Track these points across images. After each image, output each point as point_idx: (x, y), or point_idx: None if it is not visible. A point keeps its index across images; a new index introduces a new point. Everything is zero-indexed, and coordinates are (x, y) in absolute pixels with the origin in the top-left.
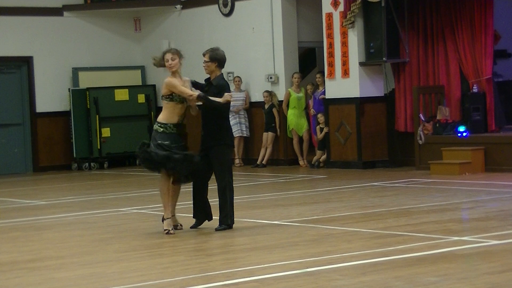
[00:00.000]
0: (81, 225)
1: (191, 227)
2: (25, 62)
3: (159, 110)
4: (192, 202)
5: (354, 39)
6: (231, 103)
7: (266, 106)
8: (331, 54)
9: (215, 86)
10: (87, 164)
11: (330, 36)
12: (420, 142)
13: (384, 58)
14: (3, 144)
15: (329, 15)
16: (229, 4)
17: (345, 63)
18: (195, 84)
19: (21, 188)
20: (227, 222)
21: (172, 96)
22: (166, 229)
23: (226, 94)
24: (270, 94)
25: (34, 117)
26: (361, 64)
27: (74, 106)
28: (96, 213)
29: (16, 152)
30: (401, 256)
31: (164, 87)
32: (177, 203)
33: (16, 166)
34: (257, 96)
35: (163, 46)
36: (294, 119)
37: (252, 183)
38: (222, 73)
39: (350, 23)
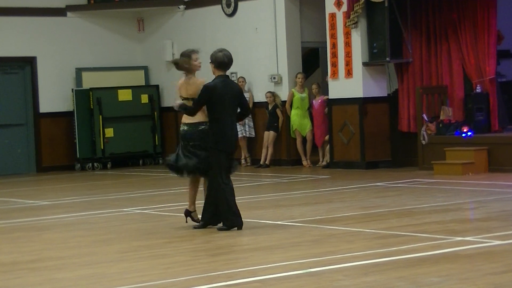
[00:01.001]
0: (82, 226)
1: (194, 227)
2: (28, 63)
3: (162, 110)
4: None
5: (357, 39)
6: None
7: (270, 107)
8: (334, 54)
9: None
10: (90, 164)
11: (333, 36)
12: (423, 142)
13: (387, 58)
14: (6, 144)
15: (332, 15)
16: (232, 4)
17: (348, 63)
18: None
19: (23, 188)
20: (225, 223)
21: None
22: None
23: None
24: (273, 94)
25: (37, 118)
26: (364, 64)
27: (77, 106)
28: (98, 214)
29: (19, 152)
30: (403, 256)
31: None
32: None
33: (19, 166)
34: (260, 96)
35: (166, 47)
36: (298, 119)
37: (255, 183)
38: (223, 75)
39: (353, 23)
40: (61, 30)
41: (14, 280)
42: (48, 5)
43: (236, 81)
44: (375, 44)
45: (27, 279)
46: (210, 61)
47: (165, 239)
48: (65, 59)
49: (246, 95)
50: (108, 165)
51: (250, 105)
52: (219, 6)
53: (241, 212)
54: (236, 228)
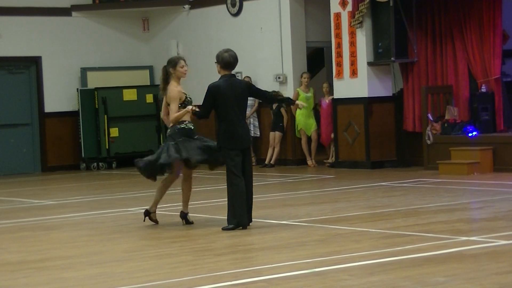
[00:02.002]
0: (89, 225)
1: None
2: (34, 62)
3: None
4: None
5: (362, 39)
6: None
7: (274, 107)
8: (339, 54)
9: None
10: (95, 164)
11: (338, 36)
12: (429, 142)
13: (392, 58)
14: (12, 144)
15: (337, 15)
16: (237, 4)
17: (353, 63)
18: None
19: (29, 188)
20: (231, 222)
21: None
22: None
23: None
24: (278, 94)
25: (42, 117)
26: (369, 64)
27: (83, 106)
28: (104, 213)
29: (25, 152)
30: (409, 256)
31: (176, 97)
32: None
33: (25, 166)
34: None
35: (171, 46)
36: (303, 119)
37: (260, 183)
38: (229, 74)
39: (358, 23)
40: (66, 30)
41: (22, 279)
42: (53, 5)
43: None
44: (380, 44)
45: (34, 279)
46: (215, 61)
47: (171, 239)
48: (70, 58)
49: None
50: (113, 165)
51: (256, 105)
52: (224, 5)
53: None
54: (241, 227)
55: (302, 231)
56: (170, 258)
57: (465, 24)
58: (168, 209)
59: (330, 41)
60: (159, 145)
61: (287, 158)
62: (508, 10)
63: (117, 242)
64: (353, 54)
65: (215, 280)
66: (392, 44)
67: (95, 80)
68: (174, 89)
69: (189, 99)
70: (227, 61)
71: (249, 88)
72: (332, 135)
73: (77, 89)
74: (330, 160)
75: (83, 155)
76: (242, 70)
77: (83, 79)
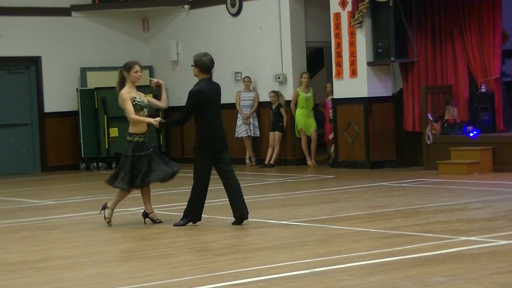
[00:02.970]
0: (89, 225)
1: (233, 223)
2: (33, 62)
3: (167, 110)
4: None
5: (362, 39)
6: (241, 103)
7: (274, 106)
8: (339, 54)
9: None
10: (95, 164)
11: (338, 36)
12: (428, 142)
13: (392, 58)
14: (12, 144)
15: (337, 15)
16: (237, 4)
17: (353, 63)
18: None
19: (29, 188)
20: (186, 216)
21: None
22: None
23: (152, 120)
24: (277, 94)
25: (42, 117)
26: (369, 64)
27: (82, 106)
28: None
29: (24, 152)
30: (409, 256)
31: (126, 98)
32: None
33: (24, 166)
34: (265, 96)
35: (171, 46)
36: (302, 119)
37: (260, 183)
38: (208, 78)
39: (358, 23)
40: (66, 29)
41: (22, 279)
42: (53, 5)
43: (242, 81)
44: (380, 44)
45: (34, 279)
46: (193, 65)
47: (171, 239)
48: (70, 58)
49: (252, 94)
50: (113, 165)
51: (256, 105)
52: (224, 5)
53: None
54: (191, 223)
55: (302, 231)
56: (170, 258)
57: (465, 24)
58: (168, 209)
59: (330, 41)
60: (159, 145)
61: (287, 158)
62: (508, 10)
63: (117, 242)
64: (353, 54)
65: (215, 280)
66: (392, 44)
67: (95, 80)
68: (123, 94)
69: (137, 102)
70: (207, 65)
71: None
72: (331, 136)
73: (77, 89)
74: (333, 156)
75: (82, 155)
76: (242, 70)
77: (83, 79)
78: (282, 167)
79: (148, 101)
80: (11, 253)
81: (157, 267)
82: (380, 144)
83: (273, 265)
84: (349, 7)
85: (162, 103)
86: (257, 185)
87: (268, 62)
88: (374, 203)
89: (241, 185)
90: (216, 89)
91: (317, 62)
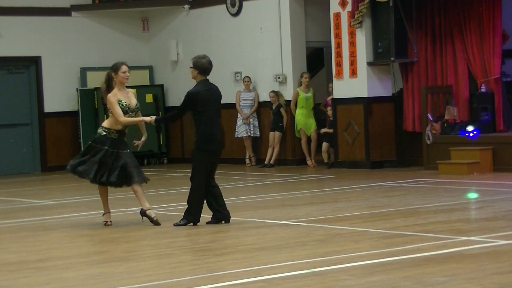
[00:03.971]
0: (89, 225)
1: (207, 223)
2: (33, 62)
3: (167, 110)
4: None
5: (362, 39)
6: (241, 103)
7: (274, 106)
8: (339, 54)
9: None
10: None
11: (338, 36)
12: (428, 142)
13: (392, 58)
14: (12, 144)
15: (337, 15)
16: (237, 4)
17: (353, 63)
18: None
19: (29, 188)
20: (186, 217)
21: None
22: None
23: (147, 118)
24: (277, 94)
25: (42, 117)
26: (369, 64)
27: (82, 106)
28: None
29: (24, 152)
30: (409, 256)
31: (113, 101)
32: None
33: (24, 166)
34: (265, 96)
35: (171, 46)
36: (302, 119)
37: (260, 183)
38: (205, 80)
39: (358, 23)
40: (66, 29)
41: (22, 279)
42: (53, 5)
43: (241, 81)
44: (380, 44)
45: (34, 279)
46: (191, 66)
47: (171, 239)
48: (70, 58)
49: (252, 94)
50: None
51: (255, 105)
52: (224, 5)
53: (246, 212)
54: (192, 224)
55: (301, 231)
56: (170, 258)
57: (465, 24)
58: (168, 209)
59: (330, 41)
60: (159, 145)
61: (287, 158)
62: (508, 10)
63: (117, 242)
64: (352, 54)
65: (215, 280)
66: (392, 44)
67: (94, 80)
68: (110, 97)
69: (122, 106)
70: (206, 67)
71: (220, 93)
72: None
73: (77, 89)
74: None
75: None
76: (242, 70)
77: (83, 79)
78: (282, 167)
79: (136, 104)
80: (11, 253)
81: (157, 267)
82: (380, 144)
83: (273, 265)
84: (349, 7)
85: (142, 130)
86: (257, 185)
87: (268, 62)
88: (374, 203)
89: (241, 185)
90: (214, 91)
91: (317, 62)
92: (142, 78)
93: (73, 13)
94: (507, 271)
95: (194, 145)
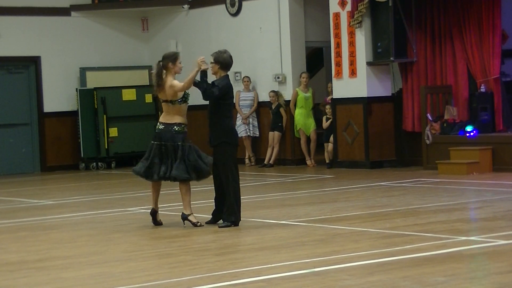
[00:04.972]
0: (88, 225)
1: (206, 222)
2: (33, 62)
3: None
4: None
5: (362, 38)
6: (240, 103)
7: (273, 106)
8: (338, 54)
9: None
10: (94, 164)
11: (337, 35)
12: (428, 142)
13: (391, 58)
14: (11, 144)
15: (337, 15)
16: (237, 4)
17: (352, 62)
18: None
19: (28, 188)
20: (230, 219)
21: (185, 98)
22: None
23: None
24: (276, 94)
25: (41, 117)
26: (368, 63)
27: (82, 106)
28: (104, 213)
29: (24, 152)
30: (408, 256)
31: (178, 90)
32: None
33: (24, 166)
34: (265, 96)
35: (170, 46)
36: (302, 118)
37: (260, 183)
38: (227, 75)
39: (357, 23)
40: (65, 29)
41: (21, 279)
42: (53, 5)
43: (241, 81)
44: (379, 44)
45: (34, 278)
46: (212, 61)
47: (171, 238)
48: (70, 58)
49: (252, 94)
50: (112, 165)
51: (255, 105)
52: (223, 5)
53: (246, 212)
54: (233, 225)
55: (301, 231)
56: (170, 257)
57: (465, 24)
58: (168, 209)
59: (329, 41)
60: None
61: (286, 158)
62: (508, 10)
63: (116, 242)
64: (352, 54)
65: (214, 280)
66: (391, 44)
67: (94, 80)
68: (172, 81)
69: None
70: (228, 62)
71: None
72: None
73: (76, 89)
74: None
75: (82, 155)
76: (241, 70)
77: (82, 79)
78: (281, 167)
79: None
80: (11, 253)
81: (157, 267)
82: (380, 144)
83: (272, 265)
84: (348, 7)
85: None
86: (257, 185)
87: (267, 62)
88: (374, 203)
89: (240, 185)
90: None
91: (316, 62)
92: (142, 78)
93: (72, 13)
94: (506, 271)
95: (221, 139)
